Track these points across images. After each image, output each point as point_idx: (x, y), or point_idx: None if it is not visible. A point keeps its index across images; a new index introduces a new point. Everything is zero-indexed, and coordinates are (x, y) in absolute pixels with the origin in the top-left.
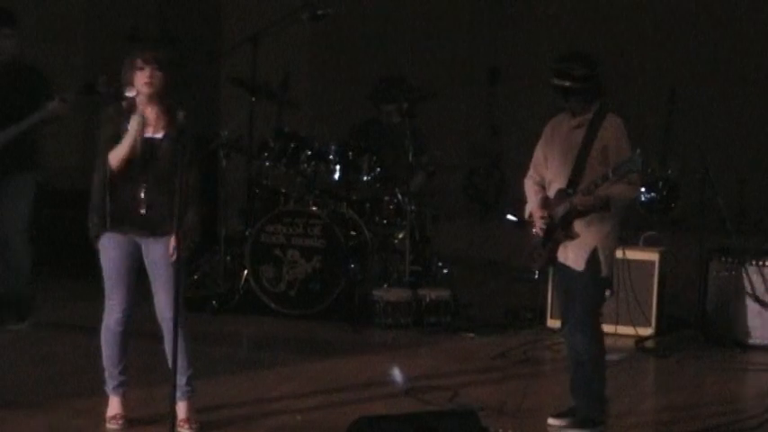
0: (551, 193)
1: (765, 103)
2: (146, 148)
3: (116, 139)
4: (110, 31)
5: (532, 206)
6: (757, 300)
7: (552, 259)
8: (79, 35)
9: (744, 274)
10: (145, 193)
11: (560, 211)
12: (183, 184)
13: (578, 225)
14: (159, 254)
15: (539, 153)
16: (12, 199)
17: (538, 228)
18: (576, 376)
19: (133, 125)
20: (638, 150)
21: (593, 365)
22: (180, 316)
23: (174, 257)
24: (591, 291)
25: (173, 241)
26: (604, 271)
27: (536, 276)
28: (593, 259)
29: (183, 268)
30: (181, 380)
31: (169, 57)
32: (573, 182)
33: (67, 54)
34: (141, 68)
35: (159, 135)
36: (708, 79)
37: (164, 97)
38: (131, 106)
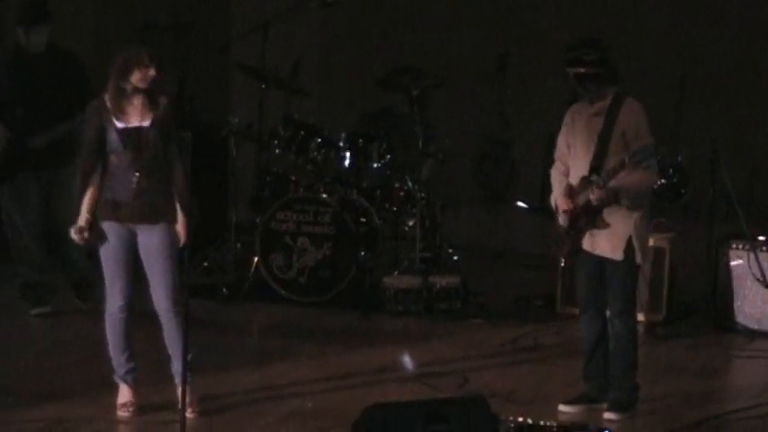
0: (575, 181)
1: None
2: (134, 137)
3: (99, 132)
4: (120, 21)
5: (557, 195)
6: (766, 286)
7: (577, 247)
8: (89, 25)
9: (754, 261)
10: (137, 182)
11: (582, 199)
12: (178, 171)
13: (608, 214)
14: (154, 242)
15: (561, 143)
16: (65, 192)
17: (562, 217)
18: (616, 362)
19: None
20: (652, 140)
21: (632, 352)
22: (176, 304)
23: (183, 241)
24: (630, 279)
25: (180, 227)
26: (638, 258)
27: (562, 264)
28: (628, 248)
29: (183, 256)
30: (179, 366)
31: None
32: (595, 169)
33: (78, 44)
34: (147, 67)
35: (146, 123)
36: (718, 66)
37: (152, 89)
38: (117, 98)
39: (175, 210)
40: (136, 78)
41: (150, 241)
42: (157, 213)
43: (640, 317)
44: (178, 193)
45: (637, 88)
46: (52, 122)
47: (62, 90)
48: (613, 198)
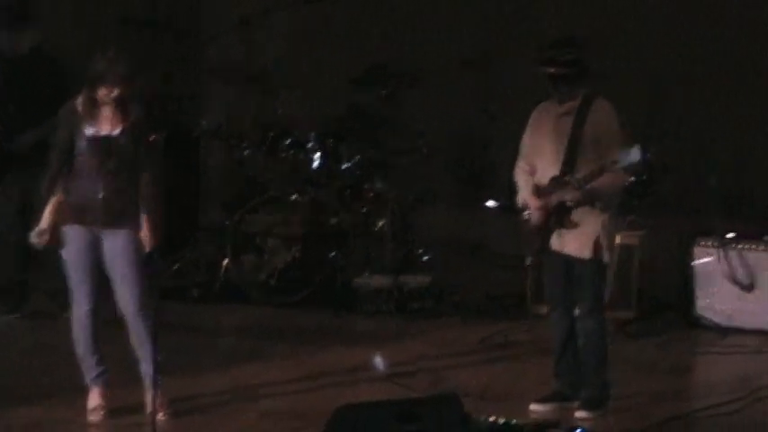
0: (544, 181)
1: (750, 87)
2: (103, 145)
3: (70, 136)
4: (97, 16)
5: (525, 195)
6: (738, 283)
7: (545, 246)
8: (66, 22)
9: (725, 258)
10: (104, 188)
11: (554, 199)
12: (146, 178)
13: (577, 214)
14: (118, 246)
15: (526, 142)
16: None
17: (533, 216)
18: (587, 360)
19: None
20: (637, 144)
21: (602, 349)
22: (142, 307)
23: (149, 248)
24: (598, 278)
25: (144, 233)
26: (606, 257)
27: (528, 263)
28: (596, 247)
29: (153, 259)
30: (148, 369)
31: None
32: (566, 169)
33: (55, 39)
34: (110, 88)
35: (116, 131)
36: (692, 66)
37: (122, 99)
38: (88, 105)
39: (140, 216)
40: (102, 93)
41: (114, 246)
42: (122, 219)
43: (610, 314)
44: (144, 200)
45: (611, 85)
46: (30, 127)
47: (40, 96)
48: (588, 200)
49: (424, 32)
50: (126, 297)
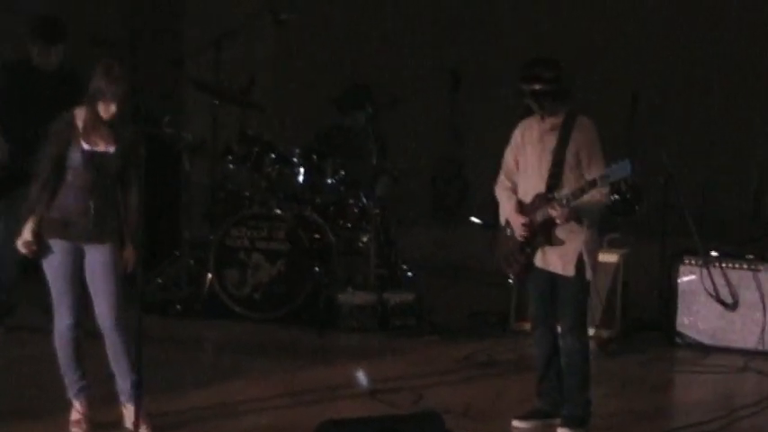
0: (527, 198)
1: (728, 107)
2: (96, 161)
3: (65, 147)
4: (72, 34)
5: (509, 212)
6: (720, 302)
7: (530, 264)
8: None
9: (707, 277)
10: (93, 204)
11: (540, 216)
12: (133, 198)
13: (561, 231)
14: (101, 261)
15: (509, 159)
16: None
17: (518, 234)
18: (569, 378)
19: None
20: (626, 159)
21: (585, 367)
22: (120, 322)
23: (130, 266)
24: (581, 295)
25: (127, 254)
26: (589, 275)
27: (510, 281)
28: (579, 264)
29: (135, 275)
30: (126, 383)
31: (124, 64)
32: (552, 186)
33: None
34: (109, 102)
35: (111, 149)
36: (670, 83)
37: (120, 116)
38: (86, 119)
39: (123, 233)
40: (101, 109)
41: (96, 260)
42: (106, 233)
43: (593, 332)
44: (128, 220)
45: (590, 105)
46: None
47: (64, 109)
48: (574, 216)
49: (400, 52)
50: (104, 311)
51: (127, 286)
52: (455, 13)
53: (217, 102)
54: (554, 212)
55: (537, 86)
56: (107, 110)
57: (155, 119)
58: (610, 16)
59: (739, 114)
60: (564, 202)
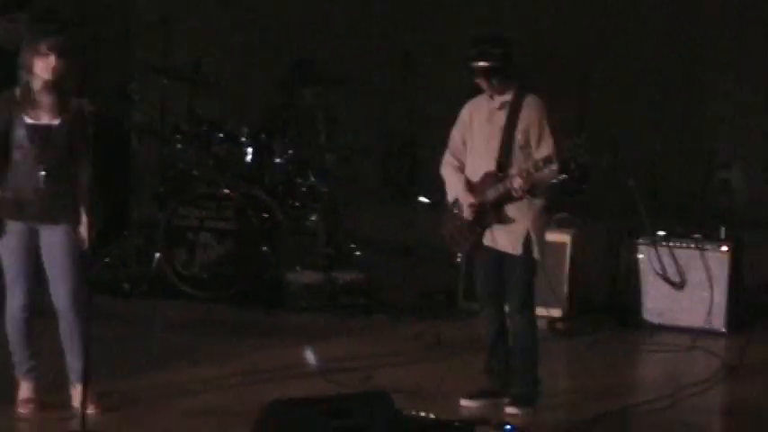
0: (476, 177)
1: (677, 87)
2: (42, 135)
3: (7, 126)
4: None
5: (458, 191)
6: (668, 281)
7: (479, 243)
8: None
9: (655, 256)
10: (43, 181)
11: (491, 194)
12: (84, 174)
13: (510, 210)
14: (57, 242)
15: (456, 138)
16: None
17: (468, 213)
18: (517, 357)
19: None
20: (584, 135)
21: (533, 346)
22: (76, 304)
23: (87, 244)
24: (528, 274)
25: (82, 230)
26: (536, 253)
27: (458, 260)
28: (526, 243)
29: (85, 256)
30: (77, 363)
31: (72, 42)
32: (502, 165)
33: None
34: (45, 55)
35: (56, 122)
36: (620, 64)
37: (61, 84)
38: (27, 92)
39: (79, 211)
40: (39, 69)
41: (52, 241)
42: (60, 214)
43: (542, 312)
44: (82, 195)
45: (540, 85)
46: None
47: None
48: (531, 191)
49: (350, 30)
50: (61, 291)
51: (84, 266)
52: None
53: (165, 81)
54: (515, 183)
55: (485, 63)
56: (47, 66)
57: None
58: None
59: (690, 94)
60: (524, 174)
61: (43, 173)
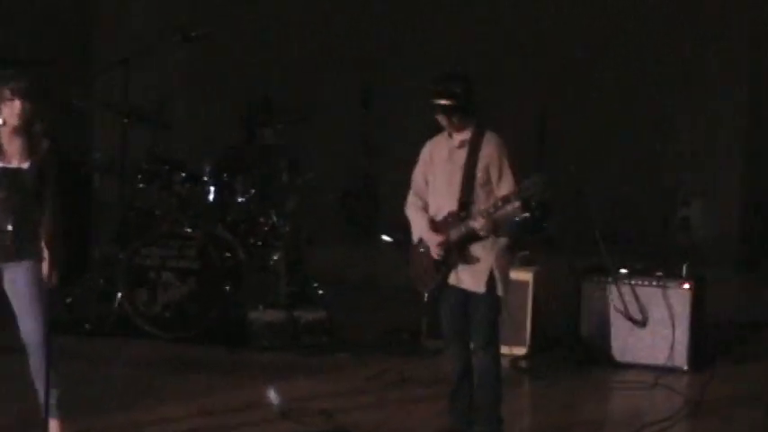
0: (439, 216)
1: (636, 125)
2: (12, 178)
3: None
4: None
5: (422, 231)
6: (630, 318)
7: (444, 282)
8: None
9: (616, 293)
10: (12, 223)
11: (454, 235)
12: (50, 215)
13: (475, 249)
14: (23, 278)
15: (418, 177)
16: None
17: (434, 252)
18: (481, 395)
19: None
20: (543, 173)
21: (496, 385)
22: (46, 339)
23: (52, 282)
24: (493, 312)
25: (45, 267)
26: (501, 291)
27: (424, 298)
28: (490, 281)
29: (50, 292)
30: (50, 398)
31: (36, 84)
32: (464, 204)
33: None
34: (11, 100)
35: (25, 165)
36: (578, 101)
37: (30, 127)
38: None
39: (41, 253)
40: (5, 114)
41: (19, 278)
42: (24, 252)
43: (505, 350)
44: (47, 237)
45: (499, 122)
46: None
47: None
48: (495, 229)
49: (310, 68)
50: (30, 328)
51: (51, 302)
52: (366, 28)
53: (126, 121)
54: (477, 224)
55: (445, 101)
56: (13, 111)
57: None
58: (517, 33)
59: (651, 132)
60: (486, 214)
61: (10, 216)
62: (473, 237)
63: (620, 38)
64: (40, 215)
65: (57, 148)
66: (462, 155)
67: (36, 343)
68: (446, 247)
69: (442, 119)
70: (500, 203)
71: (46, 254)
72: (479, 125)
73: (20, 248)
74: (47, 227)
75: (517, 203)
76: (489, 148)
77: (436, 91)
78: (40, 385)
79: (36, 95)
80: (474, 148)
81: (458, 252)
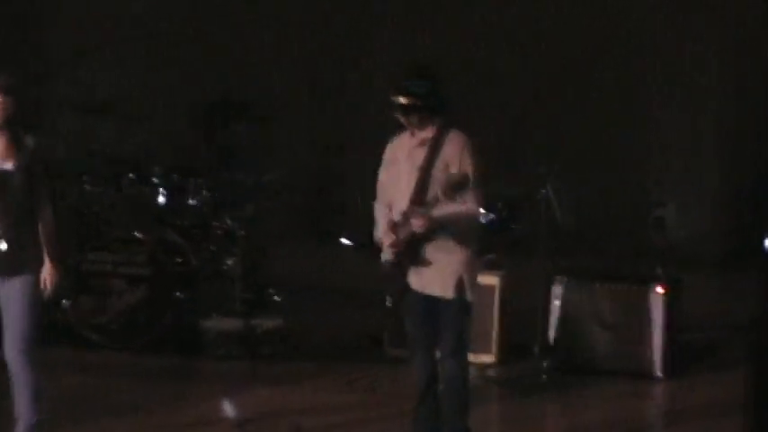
0: (397, 216)
1: (609, 123)
2: None
3: None
4: None
5: (381, 231)
6: (604, 324)
7: (405, 286)
8: None
9: (590, 298)
10: (3, 229)
11: (402, 234)
12: (46, 217)
13: (433, 251)
14: (14, 291)
15: (382, 177)
16: None
17: (388, 253)
18: (447, 404)
19: None
20: (471, 170)
21: (464, 394)
22: (24, 351)
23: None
24: (461, 318)
25: (44, 275)
26: (469, 296)
27: (388, 305)
28: (458, 286)
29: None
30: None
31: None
32: (415, 203)
33: None
34: None
35: (9, 166)
36: (552, 100)
37: (11, 125)
38: None
39: (41, 258)
40: None
41: (14, 289)
42: (22, 264)
43: (471, 358)
44: (46, 239)
45: (470, 121)
46: None
47: None
48: (438, 227)
49: (273, 66)
50: (10, 339)
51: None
52: (330, 26)
53: (75, 119)
54: (414, 223)
55: (405, 100)
56: (2, 106)
57: None
58: (493, 28)
59: (625, 132)
60: (423, 211)
61: (3, 227)
62: (422, 237)
63: (598, 34)
64: (34, 219)
65: (42, 144)
66: (422, 153)
67: (12, 356)
68: (398, 248)
69: (400, 117)
70: (432, 202)
71: (47, 262)
72: (446, 124)
73: (16, 261)
74: (45, 231)
75: (473, 203)
76: (451, 147)
77: (395, 88)
78: (16, 399)
79: (15, 92)
80: (434, 146)
81: (408, 253)
